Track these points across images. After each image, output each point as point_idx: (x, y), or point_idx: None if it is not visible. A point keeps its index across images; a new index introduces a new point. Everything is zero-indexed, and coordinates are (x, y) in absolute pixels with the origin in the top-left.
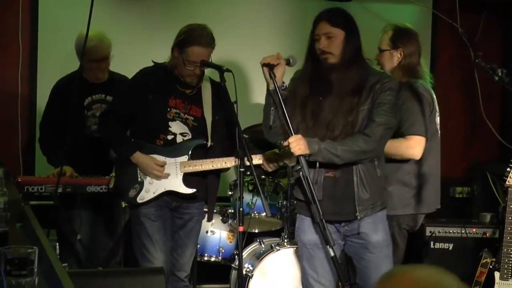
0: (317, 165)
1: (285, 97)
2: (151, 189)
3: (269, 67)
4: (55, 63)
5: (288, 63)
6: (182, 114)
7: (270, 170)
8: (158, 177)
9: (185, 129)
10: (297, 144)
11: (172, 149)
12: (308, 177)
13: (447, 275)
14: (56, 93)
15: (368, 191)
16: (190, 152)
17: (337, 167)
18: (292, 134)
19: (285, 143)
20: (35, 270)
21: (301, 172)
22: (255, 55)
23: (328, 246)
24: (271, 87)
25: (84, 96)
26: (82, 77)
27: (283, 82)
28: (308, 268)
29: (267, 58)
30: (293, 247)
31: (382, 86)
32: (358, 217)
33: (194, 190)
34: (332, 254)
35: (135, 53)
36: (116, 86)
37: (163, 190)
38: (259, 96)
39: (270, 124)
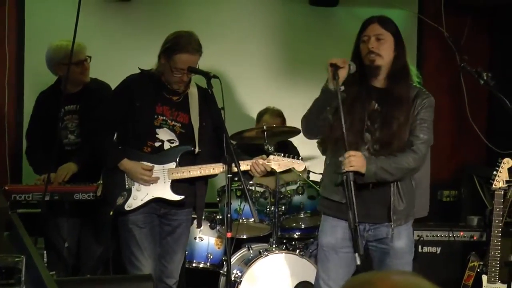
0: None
1: (342, 99)
2: (139, 196)
3: (335, 68)
4: (42, 71)
5: (349, 68)
6: (169, 121)
7: (258, 176)
8: (147, 182)
9: (172, 136)
10: (355, 160)
11: (160, 156)
12: (352, 182)
13: (424, 282)
14: (36, 105)
15: (404, 201)
16: (177, 159)
17: None
18: (346, 144)
19: (346, 155)
20: (23, 279)
21: (345, 176)
22: (242, 61)
23: (356, 254)
24: (331, 87)
25: (58, 108)
26: (59, 89)
27: (342, 85)
28: (320, 270)
29: (335, 59)
30: (282, 253)
31: (423, 102)
32: (392, 226)
33: (182, 197)
34: (358, 262)
35: (122, 59)
36: (89, 95)
37: (151, 197)
38: (246, 102)
39: (317, 122)
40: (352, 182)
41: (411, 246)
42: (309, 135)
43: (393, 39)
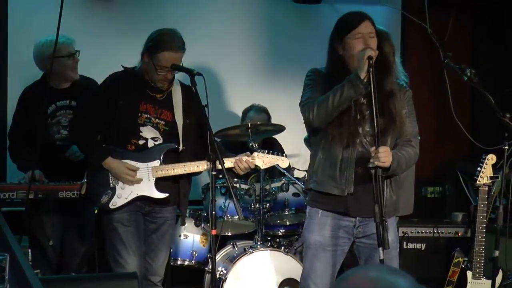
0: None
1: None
2: (123, 194)
3: (370, 61)
4: (25, 69)
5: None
6: (153, 119)
7: (241, 173)
8: (131, 183)
9: (156, 133)
10: (385, 157)
11: (144, 154)
12: (380, 176)
13: (402, 275)
14: (21, 101)
15: (394, 194)
16: (161, 157)
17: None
18: (378, 141)
19: (372, 150)
20: (6, 277)
21: (373, 170)
22: (226, 59)
23: (380, 248)
24: (363, 77)
25: (47, 104)
26: (46, 84)
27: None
28: (308, 269)
29: (373, 52)
30: (267, 250)
31: (405, 96)
32: (385, 218)
33: (167, 194)
34: (381, 257)
35: (106, 57)
36: (80, 90)
37: (136, 196)
38: (230, 99)
39: (334, 112)
40: (380, 177)
41: (397, 242)
42: (318, 122)
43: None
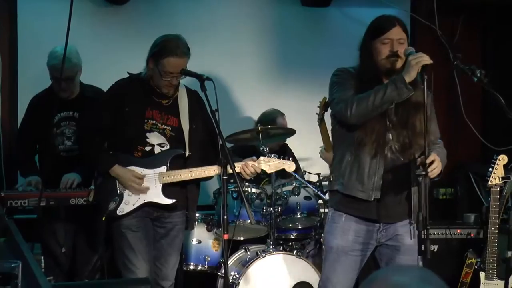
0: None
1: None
2: (131, 201)
3: (423, 69)
4: (35, 76)
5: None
6: (160, 125)
7: (247, 178)
8: (137, 191)
9: (163, 139)
10: (437, 166)
11: (150, 160)
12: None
13: (430, 280)
14: (29, 109)
15: (420, 198)
16: (168, 163)
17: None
18: (426, 148)
19: (427, 160)
20: (19, 284)
21: (420, 178)
22: (234, 63)
23: (419, 257)
24: (409, 80)
25: (52, 113)
26: (53, 93)
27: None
28: (328, 272)
29: (428, 59)
30: (279, 254)
31: (428, 99)
32: (413, 223)
33: (174, 200)
34: (420, 263)
35: (114, 63)
36: (86, 102)
37: (143, 202)
38: (239, 103)
39: (374, 112)
40: (426, 186)
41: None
42: (355, 120)
43: (407, 41)
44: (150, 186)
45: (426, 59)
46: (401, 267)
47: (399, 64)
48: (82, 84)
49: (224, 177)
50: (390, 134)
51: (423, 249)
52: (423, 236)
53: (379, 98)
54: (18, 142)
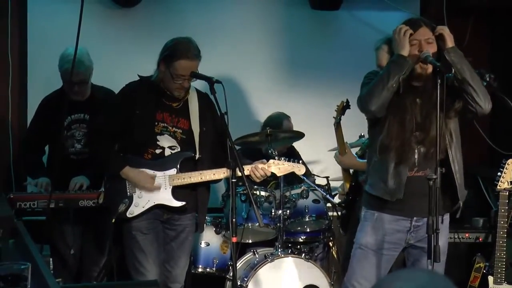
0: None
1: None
2: (140, 203)
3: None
4: (45, 78)
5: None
6: (170, 128)
7: (257, 181)
8: (150, 190)
9: (173, 142)
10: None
11: (160, 162)
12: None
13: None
14: (39, 110)
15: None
16: (178, 165)
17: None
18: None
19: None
20: (29, 286)
21: (431, 181)
22: (244, 66)
23: (429, 261)
24: (406, 54)
25: (63, 115)
26: (64, 95)
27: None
28: (356, 268)
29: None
30: (288, 257)
31: None
32: (443, 217)
33: (184, 203)
34: (430, 267)
35: (125, 64)
36: (97, 104)
37: (153, 204)
38: (249, 106)
39: (384, 93)
40: (438, 189)
41: (446, 247)
42: (375, 107)
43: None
44: (160, 188)
45: (404, 27)
46: (408, 273)
47: (429, 69)
48: (92, 86)
49: (233, 180)
50: (418, 133)
51: (432, 253)
52: (432, 241)
53: (386, 77)
54: (26, 143)
